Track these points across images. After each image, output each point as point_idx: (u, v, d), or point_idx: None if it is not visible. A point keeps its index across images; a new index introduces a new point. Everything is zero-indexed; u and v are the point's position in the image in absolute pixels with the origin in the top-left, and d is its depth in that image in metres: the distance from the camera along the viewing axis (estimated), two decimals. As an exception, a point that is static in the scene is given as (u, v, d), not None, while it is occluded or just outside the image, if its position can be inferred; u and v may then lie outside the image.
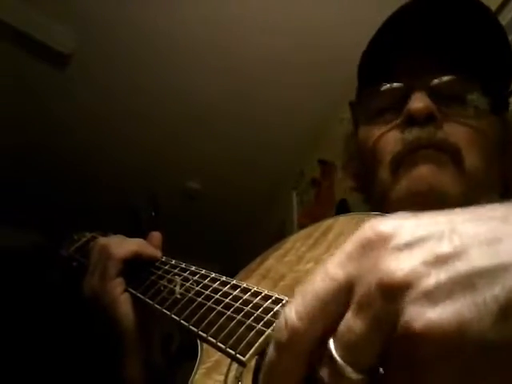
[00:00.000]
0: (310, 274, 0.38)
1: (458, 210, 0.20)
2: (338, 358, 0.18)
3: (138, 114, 2.25)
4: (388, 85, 0.53)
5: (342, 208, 1.68)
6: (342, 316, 0.19)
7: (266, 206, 2.80)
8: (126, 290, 0.53)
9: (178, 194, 2.76)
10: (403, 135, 0.50)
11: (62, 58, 1.94)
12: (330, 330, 0.19)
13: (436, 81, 0.50)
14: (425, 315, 0.16)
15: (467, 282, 0.16)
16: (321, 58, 1.86)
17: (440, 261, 0.17)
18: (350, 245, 0.20)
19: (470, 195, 0.47)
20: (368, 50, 0.56)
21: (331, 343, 0.19)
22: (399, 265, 0.18)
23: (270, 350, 0.20)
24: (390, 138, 0.51)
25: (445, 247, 0.18)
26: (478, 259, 0.17)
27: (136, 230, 0.61)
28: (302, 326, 0.19)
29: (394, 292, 0.17)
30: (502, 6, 1.09)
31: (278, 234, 2.39)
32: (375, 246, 0.19)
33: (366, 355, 0.18)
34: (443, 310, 0.16)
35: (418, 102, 0.49)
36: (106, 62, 1.99)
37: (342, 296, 0.19)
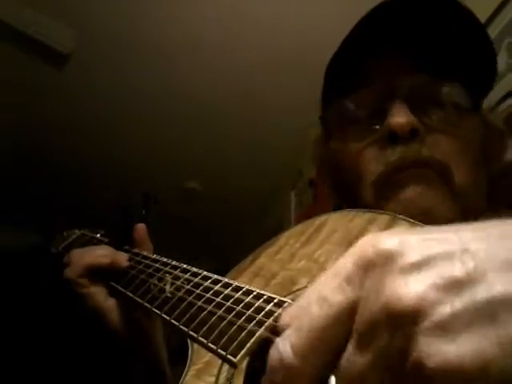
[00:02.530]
0: (302, 276, 0.37)
1: (466, 227, 0.17)
2: None
3: (137, 114, 2.25)
4: (362, 92, 0.49)
5: (340, 208, 1.67)
6: (343, 348, 0.17)
7: (265, 206, 2.79)
8: (111, 291, 0.53)
9: (177, 194, 2.76)
10: (386, 155, 0.46)
11: (61, 57, 1.94)
12: (331, 364, 0.17)
13: (413, 81, 0.47)
14: (440, 350, 0.14)
15: (487, 312, 0.14)
16: (321, 59, 1.85)
17: (454, 286, 0.15)
18: (348, 264, 0.18)
19: (463, 212, 0.45)
20: (338, 53, 0.51)
21: (332, 381, 0.17)
22: (407, 289, 0.15)
23: None
24: (370, 155, 0.48)
25: (458, 270, 0.15)
26: (496, 286, 0.15)
27: (126, 228, 0.60)
28: (299, 363, 0.17)
29: (402, 321, 0.15)
30: (500, 8, 1.08)
31: (276, 235, 2.38)
32: (378, 266, 0.17)
33: None
34: (461, 344, 0.14)
35: (399, 116, 0.45)
36: (105, 62, 1.99)
37: (343, 325, 0.17)
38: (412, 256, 0.16)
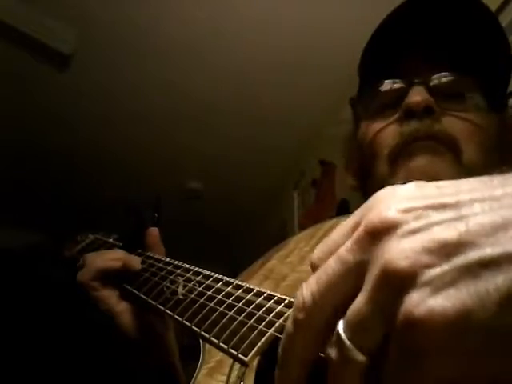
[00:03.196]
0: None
1: (463, 186, 0.20)
2: (344, 339, 0.19)
3: (138, 114, 2.25)
4: (388, 83, 0.53)
5: (343, 208, 1.68)
6: (352, 299, 0.20)
7: (267, 206, 2.80)
8: (124, 294, 0.54)
9: (179, 195, 2.76)
10: (401, 128, 0.50)
11: (63, 58, 1.95)
12: (340, 310, 0.20)
13: (435, 79, 0.50)
14: (427, 302, 0.16)
15: (471, 272, 0.16)
16: (322, 59, 1.86)
17: (445, 250, 0.17)
18: (360, 229, 0.21)
19: None
20: (369, 46, 0.56)
21: (341, 324, 0.20)
22: (403, 252, 0.18)
23: (288, 326, 0.22)
24: (388, 132, 0.52)
25: (450, 235, 0.18)
26: (483, 248, 0.17)
27: (138, 231, 0.61)
28: (315, 304, 0.21)
29: (398, 280, 0.18)
30: (502, 6, 1.09)
31: (279, 235, 2.39)
32: (382, 234, 0.19)
33: (370, 338, 0.19)
34: (446, 298, 0.16)
35: (416, 95, 0.49)
36: (107, 63, 1.99)
37: (352, 279, 0.20)
38: (409, 224, 0.19)
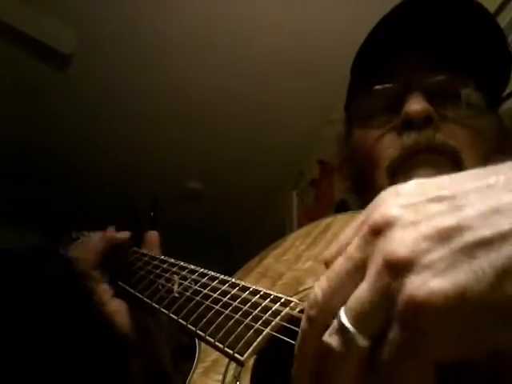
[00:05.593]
0: (308, 276, 0.38)
1: (460, 179, 0.21)
2: (347, 324, 0.20)
3: (138, 113, 2.25)
4: (383, 85, 0.52)
5: (342, 208, 1.68)
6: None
7: (266, 206, 2.80)
8: (118, 292, 0.53)
9: (179, 194, 2.76)
10: (401, 140, 0.49)
11: (63, 58, 1.94)
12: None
13: (431, 80, 0.49)
14: (426, 284, 0.17)
15: (467, 253, 0.17)
16: (321, 59, 1.86)
17: (443, 235, 0.18)
18: (365, 227, 0.22)
19: None
20: (362, 49, 0.55)
21: (342, 311, 0.20)
22: (403, 242, 0.19)
23: (302, 323, 0.23)
24: (387, 142, 0.51)
25: (448, 221, 0.19)
26: (478, 231, 0.18)
27: (135, 230, 0.61)
28: (325, 301, 0.22)
29: (398, 268, 0.18)
30: (501, 6, 1.09)
31: (277, 234, 2.38)
32: (383, 229, 0.20)
33: (371, 323, 0.19)
34: (445, 278, 0.17)
35: (415, 104, 0.48)
36: (107, 63, 1.99)
37: (357, 274, 0.21)
38: (409, 216, 0.20)
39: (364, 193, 0.56)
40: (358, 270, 0.21)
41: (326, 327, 0.21)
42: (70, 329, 2.28)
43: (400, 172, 0.49)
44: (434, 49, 0.51)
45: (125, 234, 0.58)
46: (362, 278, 0.21)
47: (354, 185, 0.60)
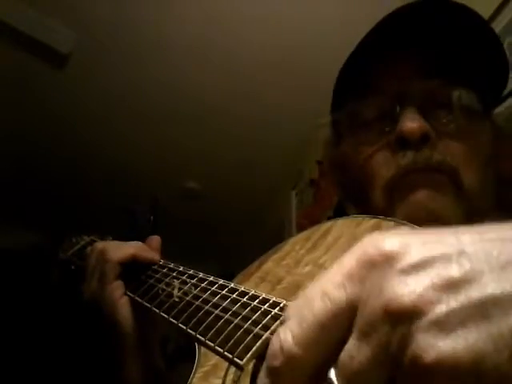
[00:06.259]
0: (308, 281, 0.38)
1: (465, 229, 0.18)
2: None
3: (137, 113, 2.25)
4: (375, 95, 0.50)
5: (341, 209, 1.67)
6: (343, 342, 0.18)
7: (266, 206, 2.80)
8: (124, 294, 0.53)
9: (178, 195, 2.76)
10: (397, 159, 0.47)
11: (62, 57, 1.94)
12: (331, 357, 0.18)
13: (424, 87, 0.48)
14: (436, 345, 0.15)
15: (481, 311, 0.15)
16: (321, 59, 1.86)
17: (450, 286, 0.16)
18: (351, 262, 0.19)
19: (469, 215, 0.45)
20: (351, 56, 0.53)
21: (332, 373, 0.18)
22: (407, 289, 0.16)
23: (261, 377, 0.19)
24: (381, 159, 0.49)
25: (455, 271, 0.16)
26: (490, 286, 0.16)
27: (134, 233, 0.61)
28: (300, 352, 0.18)
29: (401, 318, 0.16)
30: (499, 9, 1.09)
31: (277, 235, 2.39)
32: (380, 266, 0.18)
33: None
34: (456, 340, 0.15)
35: (411, 122, 0.46)
36: (106, 62, 1.99)
37: (344, 320, 0.18)
38: (411, 257, 0.17)
39: (359, 204, 0.54)
40: (345, 315, 0.18)
41: None
42: (67, 329, 2.28)
43: (397, 192, 0.47)
44: (426, 56, 0.50)
45: (156, 257, 0.56)
46: (349, 325, 0.18)
47: (345, 192, 0.59)
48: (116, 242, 0.59)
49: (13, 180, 2.61)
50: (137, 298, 0.50)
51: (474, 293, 0.16)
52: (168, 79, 2.05)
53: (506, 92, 0.58)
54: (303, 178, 2.29)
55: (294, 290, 0.38)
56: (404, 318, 0.16)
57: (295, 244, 0.43)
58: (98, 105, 2.21)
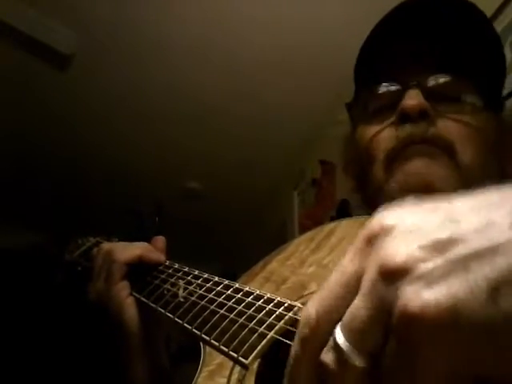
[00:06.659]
0: (312, 281, 0.38)
1: (455, 197, 0.20)
2: (342, 344, 0.19)
3: (138, 114, 2.25)
4: (384, 86, 0.53)
5: (343, 208, 1.68)
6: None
7: (267, 206, 2.80)
8: (130, 294, 0.54)
9: (179, 195, 2.76)
10: (397, 132, 0.50)
11: (63, 58, 1.94)
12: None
13: (431, 81, 0.51)
14: (420, 296, 0.17)
15: (461, 265, 0.17)
16: (322, 58, 1.86)
17: (437, 246, 0.18)
18: (359, 239, 0.21)
19: (464, 190, 0.46)
20: (364, 49, 0.56)
21: (338, 329, 0.20)
22: (398, 250, 0.18)
23: (295, 344, 0.22)
24: (384, 136, 0.52)
25: (443, 233, 0.18)
26: (472, 243, 0.17)
27: (139, 234, 0.61)
28: (320, 319, 0.21)
29: (393, 276, 0.18)
30: (501, 8, 1.09)
31: (278, 235, 2.39)
32: (379, 237, 0.20)
33: (369, 341, 0.19)
34: (438, 290, 0.17)
35: (411, 99, 0.49)
36: (107, 63, 1.99)
37: (352, 287, 0.20)
38: (405, 224, 0.20)
39: (366, 190, 0.56)
40: (353, 284, 0.20)
41: (321, 349, 0.21)
42: (71, 329, 2.28)
43: (395, 163, 0.50)
44: (433, 50, 0.52)
45: (162, 258, 0.57)
46: (357, 292, 0.20)
47: (357, 184, 0.61)
48: (122, 243, 0.59)
49: (13, 180, 2.62)
50: (142, 299, 0.50)
51: (458, 250, 0.17)
52: (168, 79, 2.05)
53: (510, 90, 0.59)
54: (305, 177, 2.29)
55: (299, 289, 0.39)
56: (396, 275, 0.18)
57: (299, 245, 0.44)
58: (99, 105, 2.21)
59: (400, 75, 0.53)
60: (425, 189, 0.47)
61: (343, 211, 1.63)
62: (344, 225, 0.41)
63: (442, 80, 0.50)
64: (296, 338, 0.22)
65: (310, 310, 0.21)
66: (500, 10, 1.08)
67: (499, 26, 1.04)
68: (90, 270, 0.61)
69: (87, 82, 2.08)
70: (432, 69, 0.51)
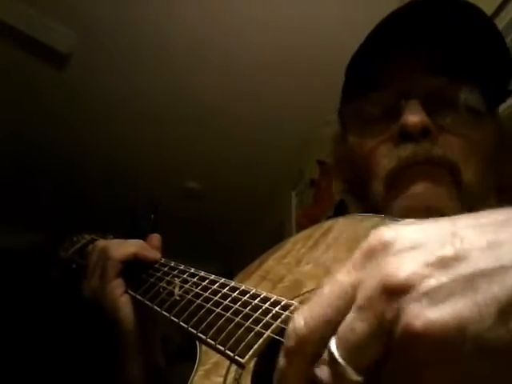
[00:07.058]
0: (309, 279, 0.38)
1: (459, 216, 0.20)
2: (338, 358, 0.18)
3: (138, 114, 2.25)
4: (380, 91, 0.51)
5: (341, 208, 1.68)
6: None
7: (266, 206, 2.80)
8: (125, 292, 0.53)
9: (178, 194, 2.76)
10: (398, 151, 0.48)
11: (63, 58, 1.94)
12: (334, 333, 0.20)
13: (429, 84, 0.49)
14: (425, 315, 0.16)
15: (468, 284, 0.17)
16: (322, 58, 1.86)
17: (442, 263, 0.17)
18: (357, 254, 0.21)
19: (467, 209, 0.45)
20: (357, 53, 0.54)
21: (332, 343, 0.19)
22: (401, 267, 0.18)
23: (281, 356, 0.21)
24: (383, 151, 0.50)
25: (447, 250, 0.18)
26: (479, 262, 0.17)
27: (135, 232, 0.61)
28: (308, 331, 0.20)
29: (395, 292, 0.18)
30: (500, 7, 1.09)
31: (277, 235, 2.39)
32: (379, 252, 0.20)
33: (366, 355, 0.18)
34: (443, 309, 0.16)
35: (413, 115, 0.47)
36: (106, 62, 1.99)
37: (346, 300, 0.20)
38: (408, 240, 0.19)
39: (361, 198, 0.55)
40: (349, 296, 0.20)
41: (308, 362, 0.20)
42: (68, 327, 2.28)
43: (397, 183, 0.48)
44: (431, 53, 0.50)
45: (157, 256, 0.57)
46: (350, 305, 0.19)
47: (350, 187, 0.59)
48: (117, 240, 0.59)
49: (13, 180, 2.61)
50: (138, 297, 0.50)
51: (464, 269, 0.17)
52: (168, 79, 2.05)
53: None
54: (303, 178, 2.29)
55: (295, 288, 0.38)
56: (398, 292, 0.18)
57: (296, 243, 0.44)
58: (98, 104, 2.21)
59: (397, 79, 0.51)
60: (428, 212, 0.45)
61: (341, 211, 1.63)
62: (341, 223, 0.41)
63: (441, 83, 0.49)
64: (283, 349, 0.21)
65: (299, 321, 0.20)
66: (499, 10, 1.08)
67: (500, 24, 1.04)
68: (84, 268, 0.60)
69: (87, 82, 2.08)
70: (431, 72, 0.50)
